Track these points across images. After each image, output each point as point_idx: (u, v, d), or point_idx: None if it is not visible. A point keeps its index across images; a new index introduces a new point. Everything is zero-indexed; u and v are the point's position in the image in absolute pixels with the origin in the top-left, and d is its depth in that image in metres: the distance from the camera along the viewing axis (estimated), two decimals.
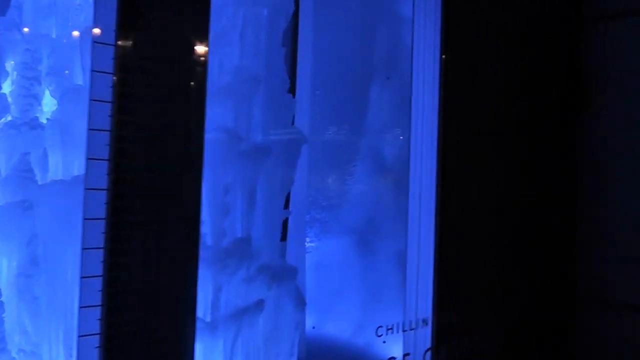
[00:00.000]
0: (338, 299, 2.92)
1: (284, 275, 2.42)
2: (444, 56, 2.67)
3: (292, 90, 2.49)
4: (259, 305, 2.31)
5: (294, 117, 2.43)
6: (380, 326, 2.66)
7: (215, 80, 2.22)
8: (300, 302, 2.49)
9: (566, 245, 2.88)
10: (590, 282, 2.52)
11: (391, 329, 2.67)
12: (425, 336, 2.75)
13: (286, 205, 2.52)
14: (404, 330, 2.68)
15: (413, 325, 2.72)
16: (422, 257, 2.76)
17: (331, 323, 2.90)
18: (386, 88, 2.74)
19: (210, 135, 2.15)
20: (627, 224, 2.45)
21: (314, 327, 2.84)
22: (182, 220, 1.96)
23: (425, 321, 2.75)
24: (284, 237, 2.59)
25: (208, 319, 2.23)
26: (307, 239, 2.87)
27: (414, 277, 2.74)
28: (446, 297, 2.74)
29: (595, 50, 2.69)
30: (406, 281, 2.73)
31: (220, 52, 2.24)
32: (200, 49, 1.96)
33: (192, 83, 1.95)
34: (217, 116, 2.20)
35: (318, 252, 2.90)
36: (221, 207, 2.21)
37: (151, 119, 1.84)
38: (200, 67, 1.96)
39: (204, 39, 1.96)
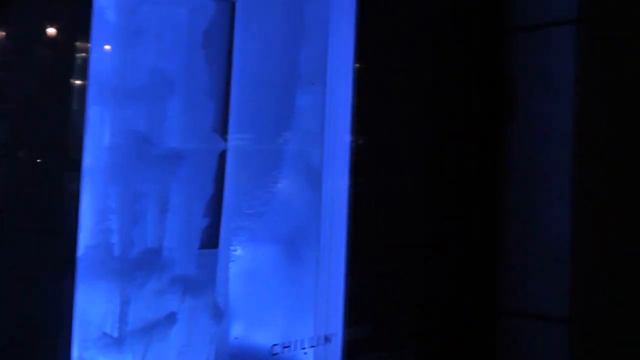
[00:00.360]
0: (264, 308, 2.83)
1: (200, 286, 2.32)
2: (357, 64, 2.60)
3: (216, 93, 2.40)
4: (171, 318, 2.21)
5: (214, 121, 2.34)
6: (276, 344, 2.53)
7: (128, 81, 2.11)
8: (217, 314, 2.39)
9: (487, 255, 2.83)
10: (510, 293, 2.47)
11: (288, 347, 2.54)
12: (335, 352, 2.65)
13: (206, 214, 2.43)
14: (302, 348, 2.57)
15: (314, 343, 2.61)
16: (333, 267, 2.68)
17: (257, 334, 2.82)
18: (311, 93, 2.67)
19: (120, 140, 2.05)
20: (547, 235, 2.41)
21: (236, 338, 2.76)
22: (57, 231, 1.84)
23: (327, 338, 2.63)
24: (204, 246, 2.50)
25: (115, 334, 2.11)
26: (232, 248, 2.79)
27: (325, 289, 2.66)
28: (356, 310, 2.65)
29: (520, 59, 2.65)
30: (317, 294, 2.64)
31: (133, 52, 2.13)
32: (80, 46, 1.84)
33: (71, 84, 1.83)
34: (128, 119, 2.09)
35: (243, 261, 2.81)
36: (130, 215, 2.10)
37: (23, 122, 1.72)
38: (80, 66, 1.83)
39: (84, 36, 1.83)
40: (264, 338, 2.80)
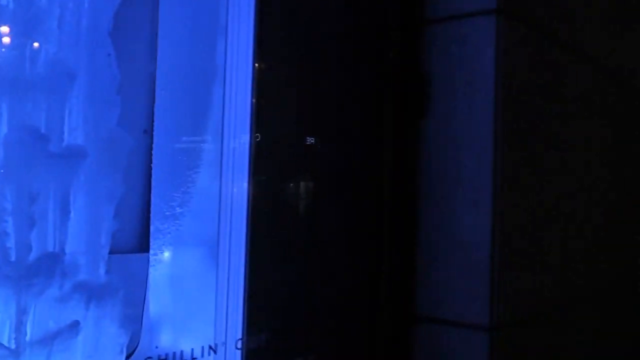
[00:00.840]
0: (183, 315, 2.71)
1: (108, 292, 2.17)
2: (256, 64, 2.48)
3: (125, 87, 2.25)
4: (74, 327, 2.05)
5: (122, 117, 2.19)
6: (150, 357, 2.34)
7: (26, 73, 1.96)
8: (127, 322, 2.25)
9: (401, 261, 2.70)
10: (429, 300, 2.35)
11: (165, 359, 2.36)
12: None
13: (117, 216, 2.28)
14: None
15: (195, 355, 2.46)
16: (233, 272, 2.56)
17: (177, 341, 2.69)
18: (226, 90, 2.55)
19: (14, 135, 1.89)
20: (466, 241, 2.27)
21: (157, 347, 2.63)
22: None
23: (212, 348, 2.49)
24: (118, 250, 2.36)
25: (12, 346, 1.95)
26: (151, 252, 2.66)
27: (224, 295, 2.53)
28: (258, 317, 2.52)
29: (436, 53, 2.51)
30: (217, 300, 2.52)
31: (32, 41, 1.98)
32: None
33: None
34: (25, 114, 1.94)
35: (163, 265, 2.68)
36: (28, 217, 1.94)
37: None
38: None
39: None
40: (186, 344, 2.67)
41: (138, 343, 2.51)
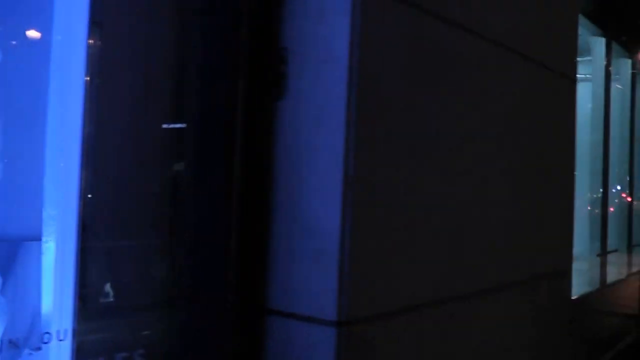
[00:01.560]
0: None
1: None
2: (90, 41, 2.40)
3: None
4: None
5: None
6: None
7: None
8: (3, 311, 2.20)
9: (252, 251, 2.59)
10: (278, 291, 2.19)
11: None
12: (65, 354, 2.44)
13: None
14: None
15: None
16: (66, 262, 2.51)
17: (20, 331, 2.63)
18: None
19: None
20: (317, 233, 2.13)
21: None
22: None
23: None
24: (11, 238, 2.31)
25: None
26: (43, 239, 2.60)
27: (58, 283, 2.48)
28: (85, 308, 2.44)
29: (293, 27, 2.22)
30: (54, 289, 2.46)
31: None
32: None
33: None
34: None
35: (56, 254, 2.62)
36: None
37: None
38: None
39: None
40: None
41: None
